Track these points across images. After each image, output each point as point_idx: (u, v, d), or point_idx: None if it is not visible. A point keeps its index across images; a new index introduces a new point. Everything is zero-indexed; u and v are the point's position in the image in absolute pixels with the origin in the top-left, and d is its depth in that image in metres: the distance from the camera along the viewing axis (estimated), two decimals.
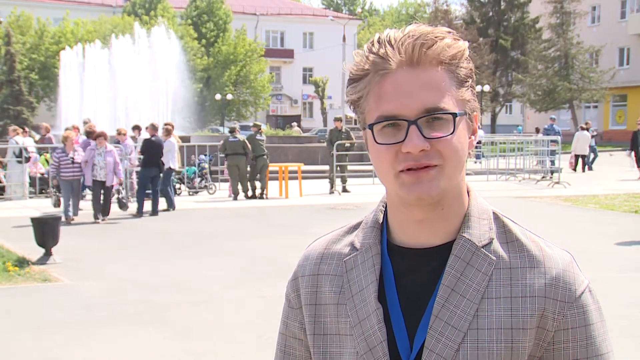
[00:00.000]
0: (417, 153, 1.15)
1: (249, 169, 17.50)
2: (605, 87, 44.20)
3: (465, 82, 1.21)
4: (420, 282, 1.23)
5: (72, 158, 13.33)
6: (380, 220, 1.30)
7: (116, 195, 14.42)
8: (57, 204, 14.43)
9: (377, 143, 1.18)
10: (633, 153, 20.80)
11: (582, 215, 14.05)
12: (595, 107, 48.18)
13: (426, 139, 1.15)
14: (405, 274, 1.24)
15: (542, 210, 14.73)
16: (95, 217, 13.27)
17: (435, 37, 1.17)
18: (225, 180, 18.68)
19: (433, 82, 1.17)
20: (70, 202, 13.27)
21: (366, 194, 17.24)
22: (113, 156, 13.46)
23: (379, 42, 1.19)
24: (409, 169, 1.16)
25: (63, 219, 12.40)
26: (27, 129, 19.34)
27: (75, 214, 13.34)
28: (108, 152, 13.40)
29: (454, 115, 1.17)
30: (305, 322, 1.32)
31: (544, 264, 1.22)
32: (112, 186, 13.63)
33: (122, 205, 14.30)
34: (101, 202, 13.46)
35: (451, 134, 1.17)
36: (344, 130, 18.47)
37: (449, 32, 1.20)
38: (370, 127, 1.19)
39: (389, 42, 1.18)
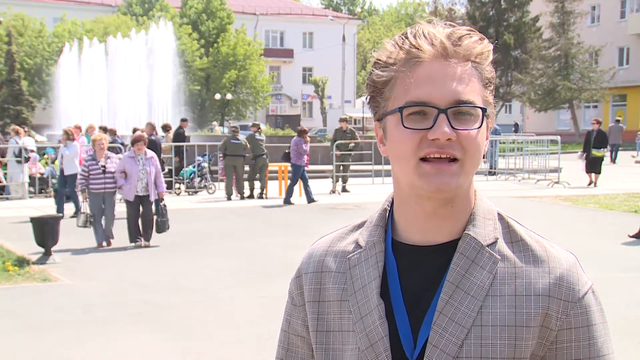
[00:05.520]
0: (443, 141, 1.16)
1: (247, 168, 17.54)
2: (605, 87, 44.20)
3: (489, 84, 1.24)
4: (424, 279, 1.24)
5: (104, 167, 10.88)
6: (385, 219, 1.31)
7: (156, 216, 11.08)
8: (87, 224, 10.93)
9: (405, 127, 1.18)
10: (584, 155, 19.55)
11: (582, 215, 14.05)
12: (595, 106, 48.19)
13: (453, 128, 1.16)
14: (409, 271, 1.25)
15: (542, 210, 14.72)
16: (133, 240, 10.88)
17: (466, 34, 1.20)
18: (222, 181, 18.69)
19: (464, 76, 1.19)
20: (103, 221, 10.87)
21: (366, 194, 17.25)
22: (155, 165, 10.96)
23: (412, 33, 1.21)
24: (430, 158, 1.17)
25: (96, 243, 10.80)
26: (26, 128, 19.34)
27: (111, 235, 10.91)
28: (148, 160, 10.88)
29: (484, 110, 1.19)
30: (308, 318, 1.32)
31: (548, 264, 1.22)
32: (154, 202, 11.02)
33: (162, 229, 11.04)
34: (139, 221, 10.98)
35: (478, 128, 1.18)
36: (348, 130, 18.51)
37: (475, 32, 1.23)
38: (400, 110, 1.19)
39: (423, 34, 1.20)
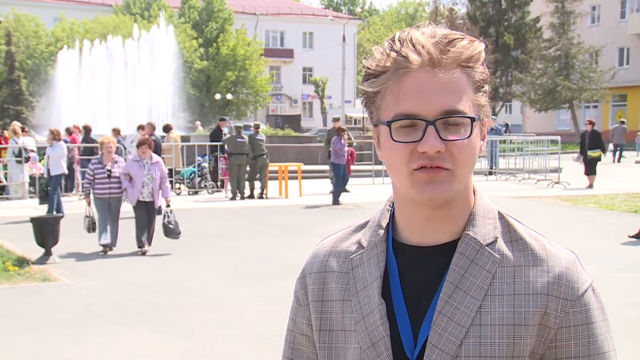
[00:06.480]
0: (432, 154, 1.16)
1: (247, 168, 17.58)
2: (605, 87, 44.19)
3: (482, 87, 1.23)
4: (425, 279, 1.25)
5: (109, 171, 10.40)
6: (387, 219, 1.32)
7: (162, 220, 10.62)
8: (91, 229, 10.59)
9: (394, 140, 1.19)
10: (582, 158, 19.18)
11: (582, 215, 14.04)
12: (595, 106, 48.18)
13: (442, 140, 1.17)
14: (410, 271, 1.26)
15: (542, 210, 14.73)
16: (140, 246, 10.44)
17: (455, 39, 1.19)
18: (221, 180, 18.71)
19: (452, 85, 1.18)
20: (109, 228, 10.46)
21: (366, 194, 17.24)
22: (160, 170, 10.53)
23: (400, 40, 1.21)
24: (422, 167, 1.18)
25: (99, 246, 10.44)
26: (27, 128, 19.33)
27: (114, 243, 10.52)
28: (154, 165, 10.45)
29: (472, 119, 1.19)
30: (312, 318, 1.34)
31: (547, 262, 1.23)
32: (159, 208, 10.69)
33: (170, 232, 10.56)
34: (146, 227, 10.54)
35: (467, 137, 1.18)
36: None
37: (466, 35, 1.22)
38: (389, 124, 1.20)
39: (411, 41, 1.19)
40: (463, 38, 1.20)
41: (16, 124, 18.10)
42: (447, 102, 1.17)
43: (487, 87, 1.24)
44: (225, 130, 19.38)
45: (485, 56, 1.24)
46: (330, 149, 16.40)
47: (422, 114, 1.17)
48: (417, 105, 1.17)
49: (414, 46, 1.19)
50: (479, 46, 1.22)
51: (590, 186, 18.87)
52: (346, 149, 16.26)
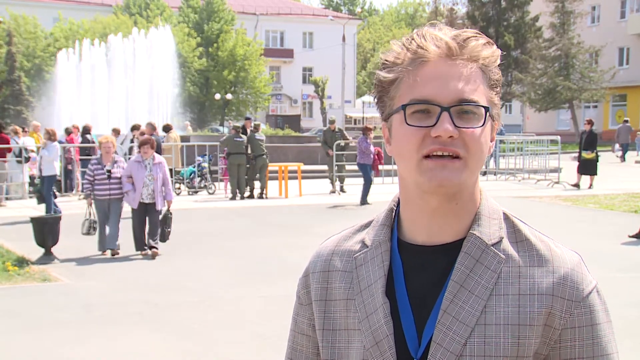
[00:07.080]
0: (446, 138, 1.17)
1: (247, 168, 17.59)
2: (605, 86, 44.19)
3: (495, 87, 1.25)
4: (429, 279, 1.25)
5: (109, 171, 10.12)
6: (391, 219, 1.33)
7: (160, 226, 10.37)
8: (90, 230, 10.34)
9: (408, 124, 1.20)
10: (577, 157, 18.92)
11: (582, 215, 14.04)
12: (595, 106, 48.20)
13: (456, 127, 1.18)
14: (414, 270, 1.26)
15: (542, 210, 14.73)
16: (139, 249, 10.20)
17: (472, 36, 1.22)
18: (221, 180, 18.71)
19: (469, 76, 1.20)
20: (107, 230, 10.22)
21: None
22: (163, 171, 10.23)
23: (418, 35, 1.23)
24: (433, 154, 1.18)
25: (98, 251, 10.23)
26: (27, 128, 19.33)
27: (117, 247, 10.25)
28: (156, 165, 10.15)
29: (487, 109, 1.20)
30: (315, 317, 1.34)
31: (552, 263, 1.23)
32: (160, 211, 10.33)
33: (165, 239, 10.37)
34: (146, 229, 10.28)
35: (481, 126, 1.19)
36: (337, 130, 18.58)
37: (482, 35, 1.25)
38: (404, 107, 1.21)
39: (430, 36, 1.22)
40: (480, 37, 1.23)
41: (34, 124, 18.12)
42: (462, 90, 1.19)
43: (499, 90, 1.26)
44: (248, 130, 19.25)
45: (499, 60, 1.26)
46: (357, 150, 16.16)
47: (437, 100, 1.18)
48: (433, 91, 1.19)
49: (432, 39, 1.22)
50: (496, 49, 1.24)
51: (586, 186, 18.76)
52: (372, 148, 15.91)
